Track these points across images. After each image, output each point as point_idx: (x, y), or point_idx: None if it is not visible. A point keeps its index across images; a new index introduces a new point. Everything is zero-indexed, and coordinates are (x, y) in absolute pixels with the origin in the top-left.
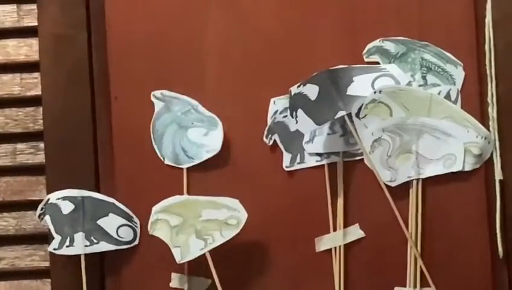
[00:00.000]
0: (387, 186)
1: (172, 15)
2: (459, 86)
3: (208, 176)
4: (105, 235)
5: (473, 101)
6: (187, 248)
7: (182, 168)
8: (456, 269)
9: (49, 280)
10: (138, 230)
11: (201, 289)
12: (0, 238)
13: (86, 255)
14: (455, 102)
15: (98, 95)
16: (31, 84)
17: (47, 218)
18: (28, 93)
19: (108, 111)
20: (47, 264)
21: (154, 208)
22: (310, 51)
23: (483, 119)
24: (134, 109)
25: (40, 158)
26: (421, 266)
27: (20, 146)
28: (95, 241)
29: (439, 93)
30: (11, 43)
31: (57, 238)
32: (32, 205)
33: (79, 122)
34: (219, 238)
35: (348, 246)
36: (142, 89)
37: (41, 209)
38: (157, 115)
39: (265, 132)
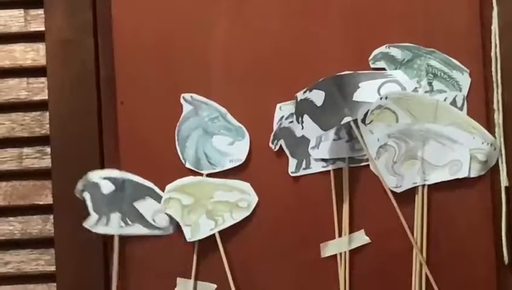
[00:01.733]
0: (392, 192)
1: (179, 20)
2: (465, 92)
3: None
4: (141, 219)
5: (479, 107)
6: (197, 227)
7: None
8: (461, 275)
9: (55, 284)
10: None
11: None
12: (6, 243)
13: (90, 263)
14: (461, 108)
15: (105, 100)
16: (37, 89)
17: (86, 195)
18: (35, 98)
19: (114, 116)
20: (52, 268)
21: (168, 187)
22: (316, 57)
23: (489, 126)
24: (141, 114)
25: (46, 163)
26: (426, 273)
27: (27, 150)
28: (129, 223)
29: (445, 100)
30: (18, 47)
31: (94, 217)
32: (38, 209)
33: (85, 127)
34: (229, 220)
35: (353, 252)
36: (148, 94)
37: (82, 186)
38: (184, 117)
39: (271, 138)
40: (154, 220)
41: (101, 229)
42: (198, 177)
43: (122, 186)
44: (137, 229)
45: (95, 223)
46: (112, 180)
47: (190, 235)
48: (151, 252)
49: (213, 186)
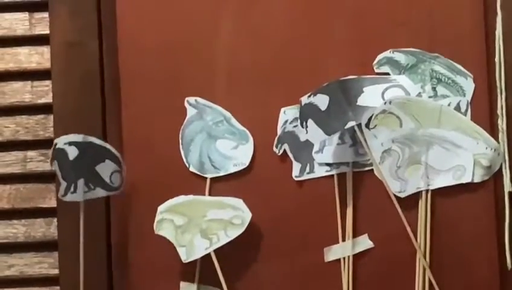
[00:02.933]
0: (396, 197)
1: (183, 24)
2: (469, 97)
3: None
4: (101, 182)
5: (482, 112)
6: (192, 247)
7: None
8: (465, 280)
9: (58, 288)
10: (124, 175)
11: None
12: (10, 246)
13: (93, 266)
14: (465, 113)
15: (109, 103)
16: (42, 92)
17: (55, 164)
18: (39, 101)
19: (118, 119)
20: (56, 271)
21: (160, 208)
22: (320, 62)
23: (493, 131)
24: (145, 117)
25: (50, 166)
26: (429, 277)
27: (31, 153)
28: (92, 187)
29: (449, 105)
30: (22, 50)
31: (63, 184)
32: (41, 212)
33: (90, 130)
34: (224, 238)
35: (356, 257)
36: (152, 97)
37: (51, 154)
38: (188, 121)
39: (275, 142)
40: (111, 181)
41: (69, 197)
42: (190, 197)
43: (85, 150)
44: (99, 193)
45: (64, 191)
46: (77, 144)
47: (185, 256)
48: (155, 255)
49: (206, 205)
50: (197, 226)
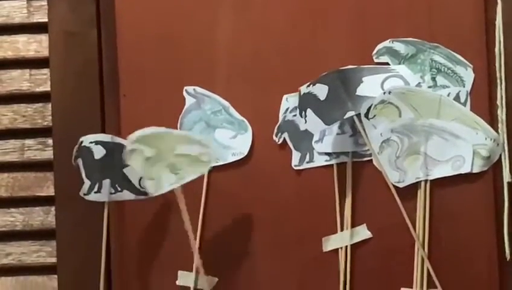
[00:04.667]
0: (395, 187)
1: (183, 13)
2: (469, 87)
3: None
4: (129, 184)
5: (482, 103)
6: (160, 181)
7: None
8: (463, 271)
9: (56, 276)
10: None
11: (209, 287)
12: (7, 234)
13: (91, 255)
14: (464, 104)
15: (107, 92)
16: (40, 80)
17: (79, 161)
18: (37, 89)
19: (117, 108)
20: (54, 260)
21: (130, 137)
22: (320, 51)
23: (493, 122)
24: (143, 107)
25: (48, 154)
26: (428, 268)
27: (29, 142)
28: (119, 189)
29: (448, 95)
30: (21, 38)
31: (87, 183)
32: (39, 201)
33: (88, 119)
34: (191, 174)
35: (355, 247)
36: (151, 87)
37: (76, 151)
38: (187, 110)
39: (275, 130)
40: (140, 185)
41: (93, 197)
42: (162, 128)
43: (112, 151)
44: (126, 195)
45: (87, 190)
46: (104, 144)
47: (153, 189)
48: (152, 244)
49: (175, 139)
50: (166, 160)
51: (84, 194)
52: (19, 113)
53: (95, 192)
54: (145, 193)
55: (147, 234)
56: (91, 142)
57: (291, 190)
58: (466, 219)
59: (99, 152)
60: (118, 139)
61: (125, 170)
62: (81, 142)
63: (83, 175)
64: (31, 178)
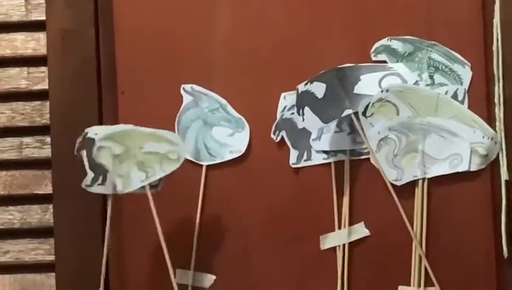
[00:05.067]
0: (393, 185)
1: (181, 10)
2: (466, 86)
3: (215, 171)
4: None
5: (480, 101)
6: (129, 178)
7: (202, 165)
8: (461, 268)
9: (54, 274)
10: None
11: (206, 285)
12: (5, 232)
13: (89, 252)
14: (462, 102)
15: (105, 90)
16: (38, 78)
17: (83, 153)
18: (35, 87)
19: (115, 106)
20: (51, 258)
21: (98, 134)
22: (318, 49)
23: (490, 120)
24: (141, 104)
25: (46, 152)
26: (425, 265)
27: (27, 140)
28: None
29: (446, 93)
30: (19, 37)
31: (90, 175)
32: (37, 198)
33: (86, 117)
34: (160, 172)
35: (352, 245)
36: (149, 85)
37: (79, 142)
38: (184, 108)
39: (273, 128)
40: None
41: (96, 189)
42: (129, 126)
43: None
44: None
45: (91, 181)
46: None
47: (121, 187)
48: (151, 242)
49: (142, 136)
50: (134, 158)
51: (87, 186)
52: (17, 111)
53: (99, 184)
54: (152, 187)
55: (145, 232)
56: (96, 134)
57: (289, 188)
58: (464, 216)
59: None
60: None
61: None
62: (86, 133)
63: (86, 167)
64: (29, 176)
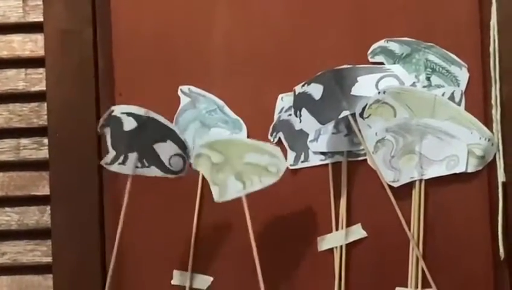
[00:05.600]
0: (390, 186)
1: (179, 11)
2: (463, 87)
3: None
4: (158, 161)
5: (476, 102)
6: (225, 187)
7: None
8: (458, 270)
9: (51, 276)
10: (187, 161)
11: (203, 286)
12: (3, 233)
13: (86, 254)
14: (459, 103)
15: (103, 91)
16: (35, 80)
17: (107, 130)
18: (33, 89)
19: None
20: (49, 259)
21: (199, 142)
22: (315, 51)
23: (487, 121)
24: (139, 105)
25: (43, 153)
26: (422, 267)
27: (24, 141)
28: (146, 164)
29: (443, 95)
30: (16, 38)
31: (111, 153)
32: (35, 200)
33: (83, 118)
34: (257, 184)
35: (350, 246)
36: (146, 86)
37: (104, 120)
38: (182, 110)
39: (270, 130)
40: (170, 164)
41: (116, 168)
42: (232, 136)
43: (144, 125)
44: (153, 171)
45: (111, 160)
46: (136, 117)
47: (218, 195)
48: (149, 243)
49: (245, 147)
50: (233, 167)
51: (107, 164)
52: (14, 113)
53: (119, 163)
54: (174, 172)
55: (142, 233)
56: (123, 113)
57: (286, 189)
58: (460, 218)
59: (130, 124)
60: (153, 114)
61: (155, 146)
62: (112, 111)
63: (109, 144)
64: (27, 177)
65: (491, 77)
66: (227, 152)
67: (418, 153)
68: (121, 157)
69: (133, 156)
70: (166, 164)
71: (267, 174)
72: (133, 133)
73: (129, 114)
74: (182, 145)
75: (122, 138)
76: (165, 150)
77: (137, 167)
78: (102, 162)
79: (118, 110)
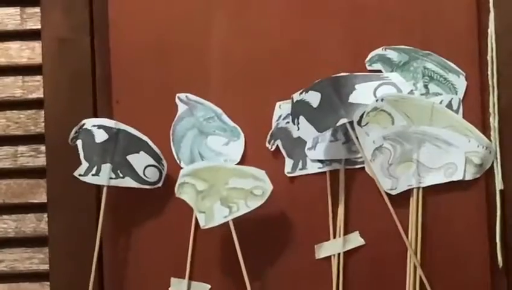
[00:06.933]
0: (387, 194)
1: (176, 20)
2: (461, 95)
3: None
4: (132, 172)
5: (474, 110)
6: (211, 214)
7: None
8: (456, 278)
9: (48, 283)
10: (164, 173)
11: None
12: (0, 241)
13: (83, 262)
14: (457, 111)
15: (100, 99)
16: (33, 87)
17: (79, 142)
18: (30, 96)
19: (110, 115)
20: (46, 267)
21: (182, 171)
22: (313, 59)
23: (485, 129)
24: (136, 113)
25: (41, 161)
26: (420, 275)
27: (21, 148)
28: (120, 175)
29: (441, 102)
30: (13, 45)
31: (84, 165)
32: (32, 207)
33: None
34: (244, 208)
35: (347, 254)
36: (143, 93)
37: (75, 132)
38: (179, 117)
39: (268, 138)
40: (145, 174)
41: (90, 179)
42: (214, 163)
43: (116, 137)
44: (128, 182)
45: (84, 171)
46: (106, 129)
47: (204, 222)
48: (146, 251)
49: (228, 172)
50: (218, 193)
51: (80, 175)
52: (11, 120)
53: (93, 175)
54: (150, 183)
55: (139, 241)
56: (93, 126)
57: (284, 197)
58: (458, 226)
59: (101, 136)
60: (123, 126)
61: (128, 157)
62: (83, 124)
63: (81, 156)
64: (24, 185)
65: (489, 85)
66: (212, 179)
67: (415, 161)
68: (94, 169)
69: (106, 167)
70: (141, 175)
71: (253, 198)
72: (106, 145)
73: (100, 126)
74: (156, 156)
75: (94, 149)
76: (139, 161)
77: (111, 178)
78: (76, 173)
79: (88, 123)
